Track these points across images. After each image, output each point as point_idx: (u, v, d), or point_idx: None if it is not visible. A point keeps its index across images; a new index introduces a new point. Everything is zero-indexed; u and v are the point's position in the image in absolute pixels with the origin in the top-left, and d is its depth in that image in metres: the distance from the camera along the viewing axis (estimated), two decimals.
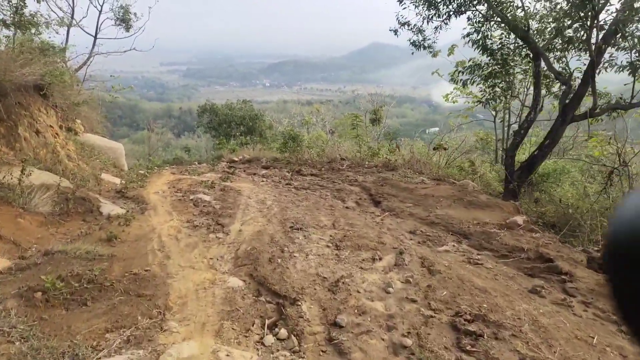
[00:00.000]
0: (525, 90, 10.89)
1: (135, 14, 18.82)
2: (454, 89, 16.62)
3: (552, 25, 7.68)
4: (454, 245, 4.76)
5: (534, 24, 7.89)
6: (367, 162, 11.26)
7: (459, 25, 12.69)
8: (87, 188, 8.07)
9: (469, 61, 14.02)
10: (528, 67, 9.23)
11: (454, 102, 17.30)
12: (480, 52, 9.10)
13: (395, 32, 10.12)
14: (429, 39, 10.24)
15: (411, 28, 9.91)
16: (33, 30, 14.09)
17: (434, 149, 12.96)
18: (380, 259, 4.32)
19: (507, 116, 15.69)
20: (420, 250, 4.57)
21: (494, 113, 16.26)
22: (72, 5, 17.05)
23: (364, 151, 11.87)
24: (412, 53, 11.37)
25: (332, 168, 11.65)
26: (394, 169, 9.87)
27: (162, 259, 4.30)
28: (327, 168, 11.81)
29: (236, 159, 17.18)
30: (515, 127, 16.33)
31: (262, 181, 10.60)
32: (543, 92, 9.31)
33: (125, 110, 72.50)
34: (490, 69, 8.58)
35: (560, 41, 7.79)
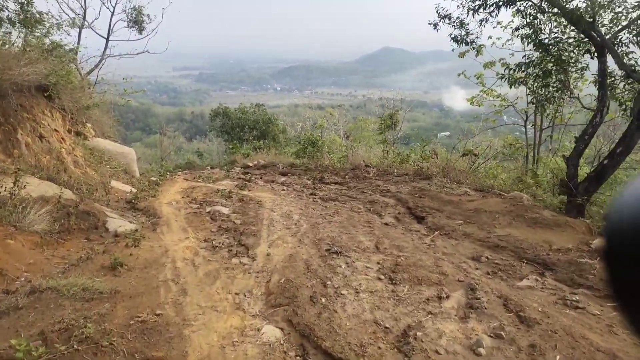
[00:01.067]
0: (579, 91, 9.89)
1: (148, 15, 18.22)
2: (480, 92, 15.66)
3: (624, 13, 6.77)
4: (536, 280, 3.85)
5: (603, 15, 6.97)
6: (395, 170, 10.37)
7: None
8: (93, 199, 7.29)
9: (499, 61, 13.07)
10: (585, 64, 8.27)
11: (479, 105, 16.33)
12: (534, 48, 8.17)
13: (435, 25, 9.24)
14: (472, 34, 9.33)
15: (452, 22, 9.02)
16: (43, 31, 13.52)
17: (464, 154, 12.02)
18: (448, 297, 3.44)
19: (539, 120, 14.70)
20: (494, 286, 3.67)
21: (524, 117, 15.30)
22: (84, 6, 16.48)
23: (393, 157, 10.98)
24: (453, 50, 10.48)
25: (357, 176, 10.77)
26: (428, 178, 8.98)
27: (177, 296, 3.46)
28: (351, 176, 10.94)
29: (251, 165, 16.42)
30: (548, 131, 15.31)
31: (283, 190, 9.76)
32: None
33: (138, 114, 72.98)
34: (545, 66, 7.68)
35: (631, 34, 6.84)
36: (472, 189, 7.62)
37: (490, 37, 13.27)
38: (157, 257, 4.46)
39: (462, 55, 13.23)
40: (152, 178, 11.84)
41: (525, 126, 15.67)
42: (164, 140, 29.01)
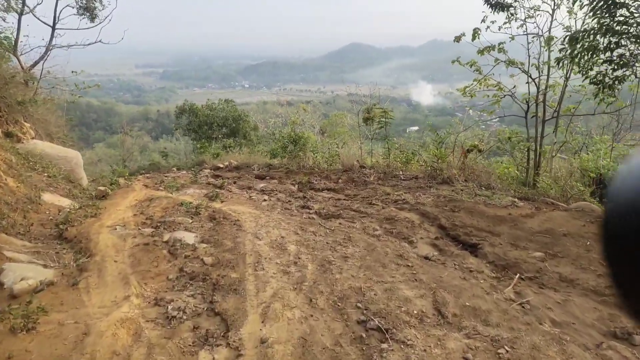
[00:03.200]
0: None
1: (101, 1, 15.86)
2: (473, 81, 14.04)
3: None
4: None
5: None
6: (401, 172, 8.58)
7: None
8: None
9: (498, 45, 11.44)
10: None
11: (471, 96, 14.71)
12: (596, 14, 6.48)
13: None
14: None
15: None
16: None
17: (468, 151, 10.35)
18: None
19: (540, 111, 13.22)
20: None
21: (525, 107, 13.79)
22: None
23: (395, 156, 9.16)
24: (483, 20, 8.73)
25: (353, 180, 8.92)
26: (446, 182, 7.23)
27: None
28: (346, 180, 9.07)
29: (221, 166, 14.38)
30: (552, 122, 13.86)
31: (265, 200, 7.81)
32: None
33: (100, 113, 70.45)
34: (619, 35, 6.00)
35: None
36: (516, 197, 5.91)
37: (483, 20, 11.70)
38: (64, 354, 2.46)
39: (457, 39, 11.60)
40: (101, 187, 9.62)
41: (526, 117, 14.14)
42: (127, 140, 26.51)
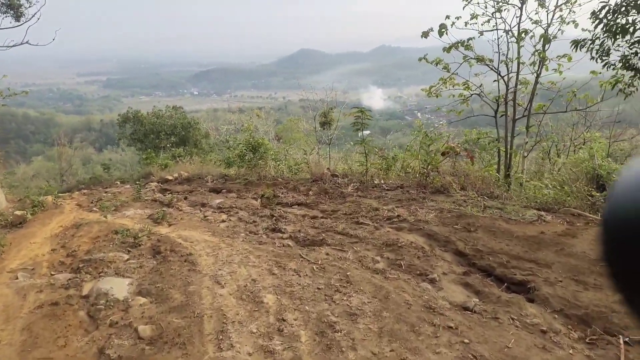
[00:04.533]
0: None
1: None
2: (439, 80, 13.21)
3: None
4: None
5: None
6: (383, 181, 7.41)
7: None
8: None
9: (467, 41, 10.63)
10: None
11: (436, 96, 13.86)
12: None
13: None
14: None
15: None
16: None
17: (443, 154, 9.37)
18: None
19: (509, 110, 12.56)
20: None
21: (494, 106, 13.08)
22: None
23: (373, 163, 7.97)
24: (447, 17, 7.70)
25: (326, 192, 7.66)
26: (441, 192, 6.12)
27: None
28: (317, 191, 7.79)
29: (170, 178, 12.73)
30: (523, 121, 13.23)
31: (223, 221, 6.40)
32: None
33: (38, 125, 66.38)
34: None
35: None
36: (533, 208, 4.85)
37: (448, 16, 10.93)
38: None
39: (425, 34, 10.69)
40: (18, 212, 7.85)
41: (495, 117, 13.43)
42: (65, 152, 23.96)
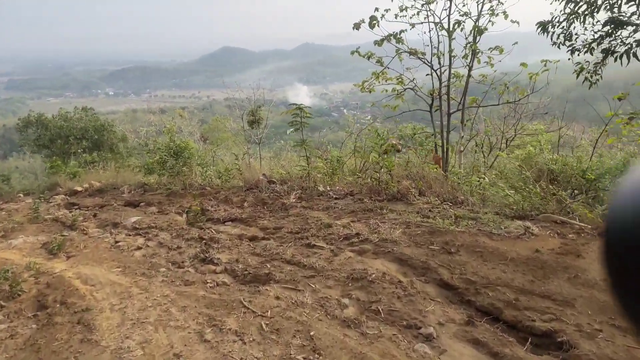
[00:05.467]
0: None
1: None
2: (372, 75, 12.66)
3: None
4: None
5: None
6: (328, 187, 6.49)
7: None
8: None
9: (399, 33, 10.18)
10: None
11: (370, 91, 13.32)
12: None
13: None
14: None
15: None
16: None
17: (385, 152, 8.74)
18: None
19: (444, 104, 12.29)
20: None
21: (429, 101, 12.73)
22: None
23: (316, 166, 7.02)
24: (376, 9, 7.01)
25: (263, 202, 6.63)
26: (398, 199, 5.30)
27: None
28: (253, 202, 6.74)
29: (80, 189, 11.03)
30: (457, 115, 13.01)
31: (139, 248, 5.18)
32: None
33: None
34: None
35: None
36: (509, 217, 4.17)
37: (377, 9, 10.42)
38: None
39: (356, 26, 10.03)
40: None
41: (430, 111, 13.10)
42: None
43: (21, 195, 13.09)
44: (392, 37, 9.97)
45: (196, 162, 9.39)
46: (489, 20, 9.51)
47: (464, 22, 9.62)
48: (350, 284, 3.19)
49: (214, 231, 5.52)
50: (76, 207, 9.28)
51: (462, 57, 9.82)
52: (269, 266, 3.82)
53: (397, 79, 11.53)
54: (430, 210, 4.67)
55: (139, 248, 5.20)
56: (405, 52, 10.23)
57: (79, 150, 17.49)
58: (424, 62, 10.30)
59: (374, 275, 3.23)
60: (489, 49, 9.78)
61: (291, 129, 7.01)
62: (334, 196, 6.12)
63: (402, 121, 15.70)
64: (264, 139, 15.01)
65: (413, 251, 3.62)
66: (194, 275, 3.88)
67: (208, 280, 3.72)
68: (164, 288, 3.56)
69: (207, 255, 4.37)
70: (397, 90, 12.34)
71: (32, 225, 7.56)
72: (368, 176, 6.36)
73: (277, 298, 3.09)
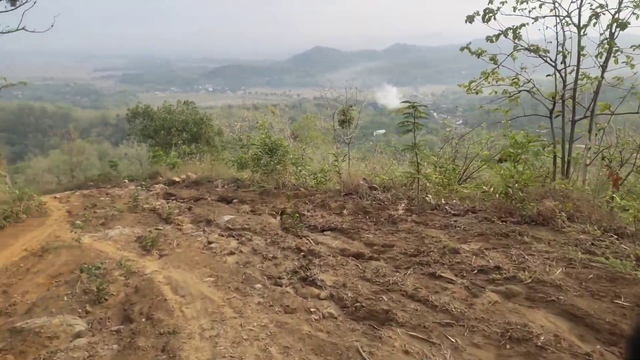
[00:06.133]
0: None
1: None
2: (481, 74, 11.28)
3: None
4: None
5: None
6: (445, 201, 5.59)
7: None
8: None
9: (519, 27, 8.82)
10: None
11: (476, 93, 11.90)
12: None
13: None
14: None
15: None
16: None
17: (500, 160, 7.51)
18: None
19: (567, 109, 10.58)
20: None
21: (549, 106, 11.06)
22: None
23: (431, 173, 6.12)
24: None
25: (364, 210, 5.91)
26: (539, 222, 4.27)
27: None
28: (353, 209, 6.05)
29: (178, 180, 11.12)
30: (582, 123, 11.23)
31: (231, 253, 4.71)
32: None
33: (55, 119, 66.50)
34: None
35: None
36: None
37: (491, 0, 9.14)
38: None
39: (469, 19, 8.85)
40: None
41: (550, 117, 11.41)
42: (76, 147, 22.74)
43: (126, 181, 13.73)
44: (509, 32, 8.71)
45: (290, 161, 8.91)
46: (633, 13, 7.90)
47: (603, 13, 8.09)
48: (508, 346, 2.33)
49: (312, 241, 4.91)
50: (173, 198, 9.28)
51: (595, 56, 8.28)
52: (385, 299, 3.07)
53: (512, 80, 10.16)
54: (592, 244, 3.60)
55: (231, 253, 4.75)
56: (525, 49, 8.89)
57: (179, 142, 18.20)
58: (546, 61, 8.87)
59: (542, 338, 2.34)
60: (630, 47, 8.16)
61: (402, 130, 6.18)
62: (452, 212, 5.20)
63: (510, 127, 13.98)
64: (354, 139, 14.35)
65: (590, 305, 2.66)
66: (295, 299, 3.25)
67: (311, 309, 3.07)
68: (261, 314, 2.96)
69: (307, 273, 3.74)
70: (509, 93, 10.93)
71: (130, 215, 7.58)
72: (496, 191, 5.33)
73: (406, 352, 2.34)
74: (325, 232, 5.30)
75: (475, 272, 3.37)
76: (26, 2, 12.58)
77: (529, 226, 4.30)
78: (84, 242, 5.43)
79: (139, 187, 11.62)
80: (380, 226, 5.12)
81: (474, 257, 3.62)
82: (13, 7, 12.70)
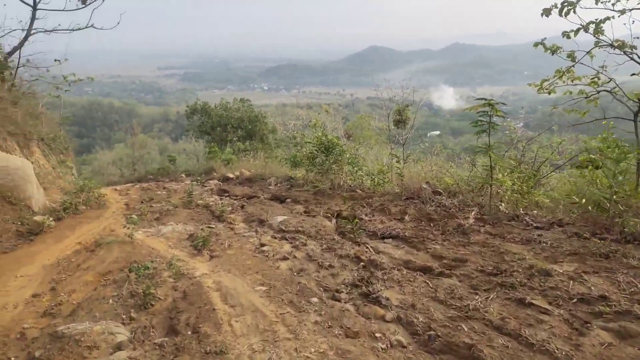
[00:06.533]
0: None
1: None
2: (555, 73, 10.25)
3: None
4: None
5: None
6: (524, 211, 4.95)
7: None
8: None
9: (605, 20, 7.82)
10: None
11: (549, 93, 10.85)
12: None
13: None
14: None
15: None
16: None
17: (579, 167, 6.66)
18: None
19: None
20: None
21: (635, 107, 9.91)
22: None
23: (504, 182, 5.45)
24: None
25: (428, 216, 5.40)
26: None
27: None
28: (415, 215, 5.54)
29: (232, 176, 11.08)
30: None
31: (285, 257, 4.39)
32: None
33: (122, 114, 70.47)
34: None
35: None
36: None
37: None
38: None
39: (546, 12, 7.99)
40: (38, 217, 6.30)
41: (635, 121, 10.23)
42: (139, 141, 23.69)
43: (183, 175, 13.91)
44: (590, 26, 7.80)
45: (347, 161, 8.50)
46: None
47: None
48: None
49: (372, 249, 4.46)
50: (226, 194, 9.17)
51: None
52: (465, 328, 2.58)
53: (591, 79, 9.15)
54: None
55: (285, 258, 4.41)
56: (608, 45, 8.00)
57: (234, 139, 18.38)
58: (632, 59, 7.90)
59: None
60: None
61: (477, 130, 5.59)
62: (533, 224, 4.57)
63: (584, 131, 12.79)
64: (411, 140, 13.72)
65: None
66: (356, 319, 2.83)
67: (376, 333, 2.64)
68: (318, 336, 2.57)
69: (370, 288, 3.31)
70: (586, 93, 9.87)
71: (184, 211, 7.47)
72: (588, 202, 4.62)
73: None
74: (385, 240, 4.84)
75: (574, 301, 2.79)
76: (95, 0, 13.05)
77: (633, 246, 3.63)
78: (137, 238, 5.30)
79: (194, 183, 11.69)
80: (449, 236, 4.58)
81: (570, 281, 3.04)
82: (84, 5, 13.22)
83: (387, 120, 12.75)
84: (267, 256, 4.51)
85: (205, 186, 10.76)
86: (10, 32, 14.89)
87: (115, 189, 10.62)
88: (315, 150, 8.57)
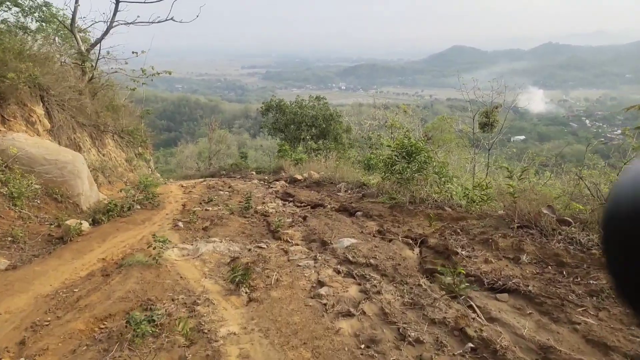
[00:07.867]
0: None
1: None
2: None
3: None
4: None
5: None
6: None
7: None
8: None
9: None
10: None
11: None
12: None
13: None
14: None
15: None
16: None
17: None
18: None
19: None
20: None
21: None
22: None
23: None
24: None
25: (557, 259, 3.74)
26: None
27: None
28: (537, 255, 3.91)
29: (300, 178, 10.28)
30: None
31: (348, 314, 2.98)
32: None
33: (206, 110, 73.92)
34: None
35: None
36: None
37: None
38: None
39: None
40: (70, 221, 5.51)
41: None
42: (214, 137, 23.82)
43: (253, 173, 13.22)
44: None
45: (434, 170, 6.90)
46: None
47: None
48: None
49: (481, 315, 2.94)
50: (290, 200, 8.08)
51: None
52: None
53: None
54: None
55: (349, 314, 3.04)
56: None
57: (307, 137, 17.51)
58: None
59: None
60: None
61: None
62: None
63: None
64: (497, 145, 11.83)
65: None
66: None
67: None
68: None
69: None
70: None
71: (238, 220, 6.36)
72: None
73: None
74: (498, 295, 3.28)
75: None
76: None
77: None
78: (167, 259, 4.20)
79: (261, 182, 10.76)
80: (602, 300, 2.93)
81: None
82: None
83: (470, 122, 11.15)
84: (324, 306, 3.18)
85: (271, 187, 9.80)
86: (93, 23, 14.85)
87: (182, 185, 10.00)
88: (396, 154, 7.07)
